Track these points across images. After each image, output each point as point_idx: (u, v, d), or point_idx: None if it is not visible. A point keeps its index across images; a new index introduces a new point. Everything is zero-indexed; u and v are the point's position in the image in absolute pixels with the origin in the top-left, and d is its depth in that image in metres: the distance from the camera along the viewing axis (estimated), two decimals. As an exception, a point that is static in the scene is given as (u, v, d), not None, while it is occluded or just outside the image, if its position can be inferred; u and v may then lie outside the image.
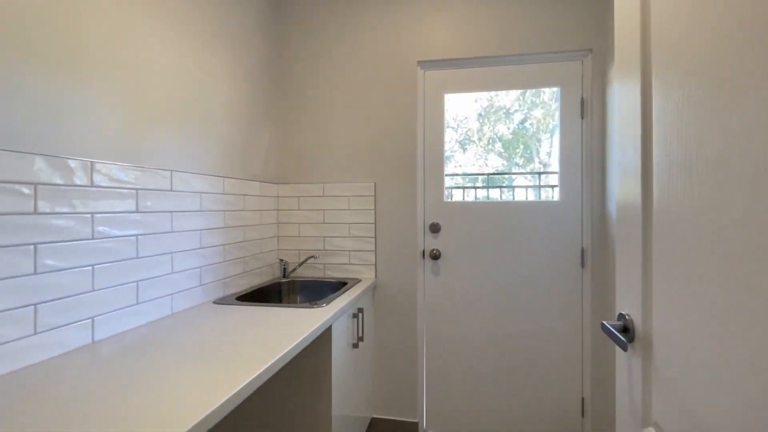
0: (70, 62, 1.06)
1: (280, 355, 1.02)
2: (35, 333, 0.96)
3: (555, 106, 2.07)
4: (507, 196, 2.12)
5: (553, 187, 2.07)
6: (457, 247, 2.11)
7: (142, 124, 1.30)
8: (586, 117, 2.01)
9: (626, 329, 0.77)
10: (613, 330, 0.76)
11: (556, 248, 2.02)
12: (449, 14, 2.09)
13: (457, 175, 2.17)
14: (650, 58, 0.71)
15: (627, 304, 0.78)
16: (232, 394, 0.81)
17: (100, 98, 1.15)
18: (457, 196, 2.16)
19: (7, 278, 0.91)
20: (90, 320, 1.10)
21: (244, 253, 1.87)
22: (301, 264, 2.12)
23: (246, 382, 0.87)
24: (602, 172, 1.95)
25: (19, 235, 0.93)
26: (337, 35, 2.21)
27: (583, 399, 1.99)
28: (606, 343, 1.91)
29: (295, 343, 1.11)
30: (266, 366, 0.96)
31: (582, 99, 2.01)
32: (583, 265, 2.00)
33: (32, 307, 0.96)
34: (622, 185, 0.81)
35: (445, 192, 2.14)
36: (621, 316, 0.79)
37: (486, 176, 2.14)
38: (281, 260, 2.11)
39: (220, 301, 1.59)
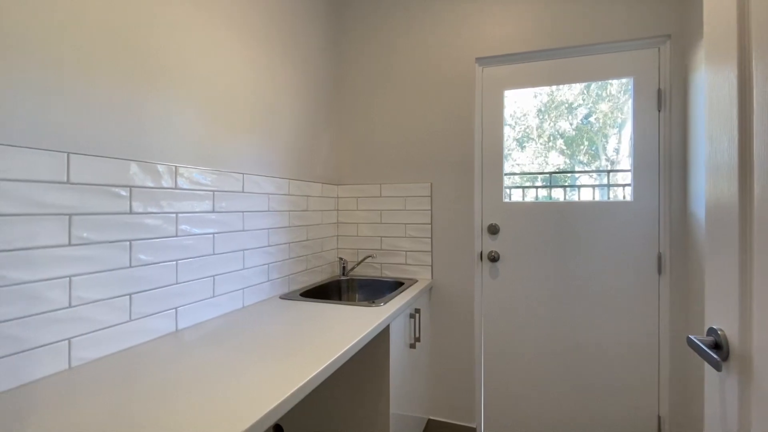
0: (157, 77, 1.18)
1: (344, 350, 1.06)
2: (130, 320, 1.08)
3: (624, 98, 1.92)
4: (570, 195, 2.01)
5: (624, 186, 1.92)
6: (518, 250, 2.03)
7: (218, 131, 1.41)
8: (664, 109, 1.84)
9: (718, 345, 0.70)
10: (703, 346, 0.69)
11: (628, 253, 1.87)
12: (508, 6, 2.02)
13: (515, 174, 2.09)
14: (749, 37, 0.64)
15: (719, 318, 0.70)
16: (301, 384, 0.86)
17: (183, 109, 1.26)
18: (516, 196, 2.08)
19: (109, 270, 1.03)
20: (174, 310, 1.21)
21: (306, 252, 1.95)
22: (359, 263, 2.17)
23: (315, 373, 0.91)
24: (683, 169, 1.77)
25: (118, 233, 1.05)
26: (393, 37, 2.23)
27: (659, 417, 1.83)
28: (688, 358, 1.74)
29: (357, 339, 1.14)
30: (332, 359, 0.99)
31: (659, 89, 1.85)
32: (660, 271, 1.83)
33: (128, 296, 1.08)
34: (714, 183, 0.73)
35: (504, 192, 2.07)
36: (712, 331, 0.71)
37: (548, 175, 2.04)
38: (341, 259, 2.18)
39: (286, 297, 1.67)
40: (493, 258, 2.05)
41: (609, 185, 1.95)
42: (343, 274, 2.16)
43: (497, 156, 2.07)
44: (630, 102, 1.91)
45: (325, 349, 1.07)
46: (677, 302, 1.79)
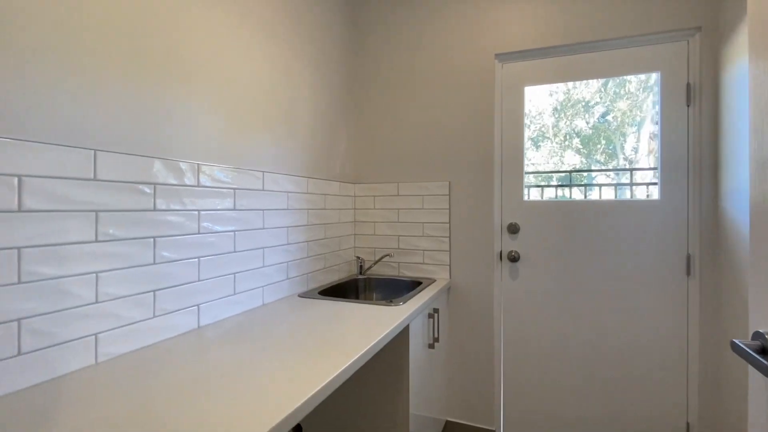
0: (179, 76, 1.19)
1: (365, 349, 1.04)
2: (154, 316, 1.09)
3: (643, 96, 1.87)
4: (590, 195, 1.95)
5: (647, 184, 1.86)
6: (539, 250, 1.99)
7: (239, 129, 1.41)
8: (693, 105, 1.77)
9: (765, 350, 0.66)
10: (750, 351, 0.65)
11: (655, 253, 1.81)
12: (529, 1, 1.98)
13: (529, 173, 2.05)
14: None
15: (766, 321, 0.67)
16: (325, 382, 0.85)
17: (204, 107, 1.27)
18: (534, 195, 2.04)
19: (134, 267, 1.04)
20: (196, 307, 1.22)
21: (324, 250, 1.95)
22: (376, 262, 2.15)
23: (338, 372, 0.90)
24: (713, 165, 1.70)
25: (143, 229, 1.06)
26: (411, 34, 2.21)
27: (688, 424, 1.76)
28: (720, 363, 1.67)
29: (378, 339, 1.13)
30: (354, 358, 0.98)
31: (688, 84, 1.78)
32: (689, 273, 1.77)
33: (152, 293, 1.09)
34: (760, 178, 0.69)
35: (524, 191, 2.03)
36: (758, 335, 0.67)
37: (567, 174, 1.99)
38: (358, 257, 2.17)
39: (305, 295, 1.67)
40: (514, 258, 2.01)
41: (632, 184, 1.89)
42: (361, 273, 2.15)
43: (518, 153, 2.03)
44: (650, 99, 1.86)
45: (347, 348, 1.06)
46: (708, 304, 1.72)
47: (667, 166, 1.80)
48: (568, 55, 1.96)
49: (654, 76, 1.85)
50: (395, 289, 2.08)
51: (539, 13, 1.96)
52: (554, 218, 1.96)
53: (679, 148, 1.79)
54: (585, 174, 1.96)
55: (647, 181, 1.86)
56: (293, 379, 0.87)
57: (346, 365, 0.95)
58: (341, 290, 1.95)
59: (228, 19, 1.36)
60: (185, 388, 0.83)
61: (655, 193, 1.84)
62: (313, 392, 0.81)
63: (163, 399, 0.78)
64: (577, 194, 1.98)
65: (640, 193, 1.88)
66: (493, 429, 2.01)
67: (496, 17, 2.04)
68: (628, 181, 1.90)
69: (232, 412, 0.73)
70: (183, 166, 1.18)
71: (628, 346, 1.84)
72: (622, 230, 1.86)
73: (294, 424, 0.75)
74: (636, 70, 1.86)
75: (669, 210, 1.79)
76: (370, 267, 2.19)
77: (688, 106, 1.78)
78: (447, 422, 2.08)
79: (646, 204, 1.82)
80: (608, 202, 1.88)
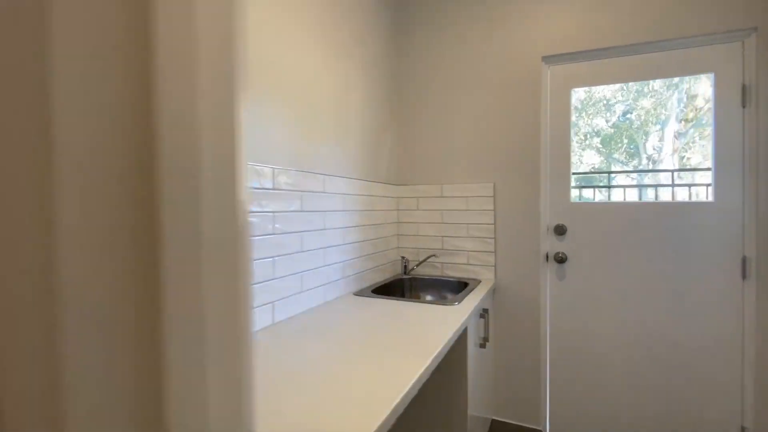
0: (259, 84, 1.25)
1: (441, 347, 1.08)
2: (238, 312, 1.15)
3: (668, 94, 1.89)
4: (628, 196, 1.96)
5: (689, 186, 1.86)
6: (587, 251, 1.99)
7: (304, 134, 1.47)
8: (749, 106, 1.75)
9: None
10: None
11: (708, 256, 1.79)
12: (578, 1, 1.98)
13: (576, 174, 2.07)
14: None
15: None
16: (417, 376, 0.89)
17: (276, 115, 1.33)
18: (572, 196, 2.07)
19: (223, 265, 1.10)
20: (272, 304, 1.28)
21: (373, 250, 2.00)
22: (421, 262, 2.19)
23: (425, 367, 0.94)
24: (773, 168, 1.68)
25: (229, 230, 1.12)
26: (457, 36, 2.23)
27: (743, 428, 1.74)
28: (778, 367, 1.65)
29: (449, 337, 1.17)
30: (434, 354, 1.02)
31: (743, 85, 1.76)
32: (744, 276, 1.75)
33: (236, 290, 1.15)
34: None
35: (572, 192, 2.04)
36: None
37: (607, 175, 2.01)
38: (402, 258, 2.21)
39: (359, 294, 1.72)
40: (561, 259, 2.02)
41: (673, 185, 1.88)
42: (405, 273, 2.19)
43: (564, 155, 2.04)
44: (674, 97, 1.88)
45: (424, 347, 1.09)
46: (766, 307, 1.70)
47: (721, 168, 1.78)
48: (616, 57, 1.95)
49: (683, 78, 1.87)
50: (442, 289, 2.12)
51: (588, 15, 1.97)
52: (602, 220, 1.96)
53: (734, 149, 1.77)
54: (611, 174, 1.99)
55: (669, 182, 1.88)
56: (386, 375, 0.91)
57: (428, 363, 0.99)
58: (389, 289, 2.00)
59: (296, 30, 1.42)
60: (290, 380, 0.88)
61: (702, 194, 1.84)
62: (410, 384, 0.85)
63: (267, 391, 0.83)
64: (616, 196, 1.98)
65: (697, 194, 1.87)
66: (540, 429, 2.02)
67: (543, 19, 2.05)
68: (672, 182, 1.90)
69: (342, 407, 0.77)
70: (264, 170, 1.24)
71: (679, 348, 1.83)
72: (673, 232, 1.85)
73: (397, 416, 0.80)
74: (688, 71, 1.85)
75: (723, 212, 1.78)
76: (413, 268, 2.23)
77: (743, 107, 1.76)
78: (493, 421, 2.10)
79: (700, 206, 1.81)
80: (660, 204, 1.87)
